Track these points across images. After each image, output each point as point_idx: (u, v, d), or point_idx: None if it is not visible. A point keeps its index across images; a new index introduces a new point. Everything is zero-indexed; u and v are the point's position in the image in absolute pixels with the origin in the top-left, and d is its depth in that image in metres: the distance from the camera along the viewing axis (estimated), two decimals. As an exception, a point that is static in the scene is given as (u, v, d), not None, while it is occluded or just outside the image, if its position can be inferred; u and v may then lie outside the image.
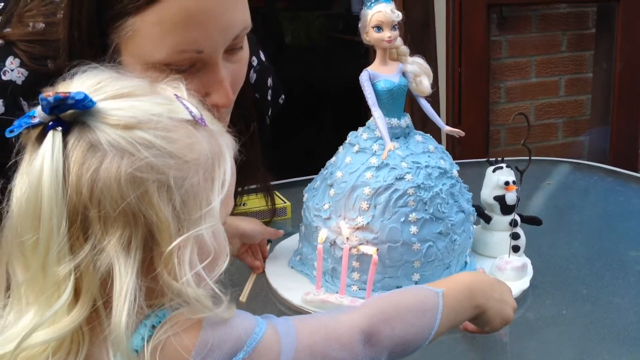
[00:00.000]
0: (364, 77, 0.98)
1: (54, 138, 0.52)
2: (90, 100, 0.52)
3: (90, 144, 0.52)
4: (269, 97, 1.18)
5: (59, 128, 0.52)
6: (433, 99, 2.61)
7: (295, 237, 1.14)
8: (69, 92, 0.52)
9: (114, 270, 0.52)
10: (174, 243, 0.53)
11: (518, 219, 1.07)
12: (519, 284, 1.01)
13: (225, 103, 0.84)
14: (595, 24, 2.67)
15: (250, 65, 1.07)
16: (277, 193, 1.35)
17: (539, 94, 2.70)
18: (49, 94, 0.51)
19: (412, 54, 1.03)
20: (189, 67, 0.80)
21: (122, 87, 0.55)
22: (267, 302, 1.03)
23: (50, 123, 0.52)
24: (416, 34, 2.44)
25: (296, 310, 0.99)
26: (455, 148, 2.60)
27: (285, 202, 1.30)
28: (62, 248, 0.52)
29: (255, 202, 1.30)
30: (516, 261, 1.02)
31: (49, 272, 0.53)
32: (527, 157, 1.05)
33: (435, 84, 2.81)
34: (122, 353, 0.52)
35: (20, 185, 0.53)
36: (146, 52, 0.77)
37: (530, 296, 1.01)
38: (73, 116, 0.52)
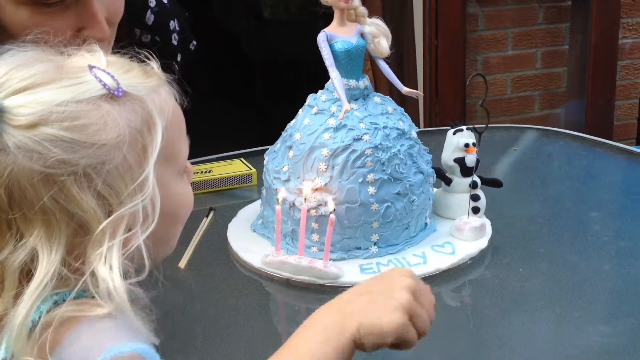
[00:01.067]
0: (321, 38, 0.98)
1: None
2: None
3: (1, 149, 0.51)
4: (174, 42, 1.16)
5: None
6: (411, 72, 2.58)
7: (259, 203, 1.14)
8: None
9: (37, 263, 0.52)
10: (102, 225, 0.53)
11: (478, 180, 1.07)
12: (477, 244, 1.02)
13: (102, 37, 0.83)
14: (571, -5, 2.67)
15: (147, 7, 1.06)
16: (243, 160, 1.35)
17: (515, 66, 2.70)
18: None
19: (386, 23, 1.02)
20: (58, 1, 0.78)
21: (26, 77, 0.53)
22: (228, 264, 1.03)
23: None
24: (394, 7, 2.43)
25: (256, 272, 0.99)
26: (433, 120, 2.61)
27: (251, 169, 1.30)
28: None
29: (221, 169, 1.30)
30: (475, 222, 1.03)
31: None
32: (486, 120, 1.05)
33: (412, 57, 2.79)
34: (11, 329, 0.51)
35: None
36: None
37: (489, 256, 1.02)
38: None
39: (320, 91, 1.04)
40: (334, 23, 1.00)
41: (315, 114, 1.01)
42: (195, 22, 1.25)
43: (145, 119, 0.56)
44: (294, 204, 0.99)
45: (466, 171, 1.08)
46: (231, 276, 1.01)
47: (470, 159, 1.07)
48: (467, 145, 1.07)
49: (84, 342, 0.51)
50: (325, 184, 0.97)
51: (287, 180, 1.00)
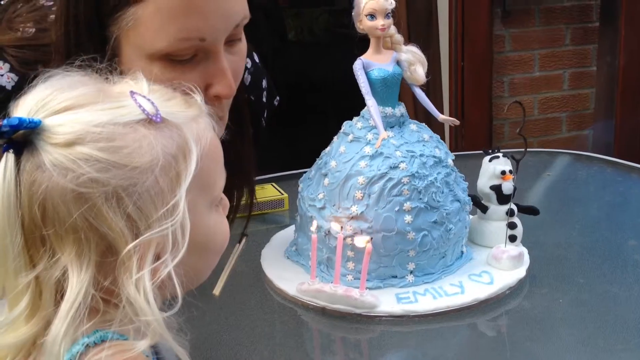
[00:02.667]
0: (357, 66, 0.98)
1: (6, 161, 0.53)
2: (32, 121, 0.52)
3: (37, 165, 0.53)
4: (264, 99, 1.18)
5: (11, 150, 0.53)
6: (436, 94, 2.59)
7: (292, 229, 1.14)
8: (18, 120, 0.52)
9: (68, 281, 0.53)
10: (129, 247, 0.53)
11: (515, 208, 1.06)
12: (515, 273, 1.00)
13: (228, 93, 0.84)
14: (599, 17, 2.65)
15: (244, 68, 1.08)
16: (274, 185, 1.35)
17: (542, 87, 2.69)
18: (1, 123, 0.52)
19: (407, 43, 1.02)
20: (190, 57, 0.79)
21: (67, 99, 0.55)
22: (262, 292, 1.03)
23: (4, 145, 0.53)
24: (419, 27, 2.44)
25: (291, 300, 0.99)
26: (459, 143, 2.59)
27: (282, 194, 1.30)
28: (19, 264, 0.54)
29: (258, 192, 1.29)
30: (512, 250, 1.02)
31: (7, 285, 0.55)
32: (524, 147, 1.04)
33: (438, 78, 2.79)
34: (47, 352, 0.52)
35: None
36: (147, 41, 0.77)
37: (527, 285, 1.01)
38: (23, 136, 0.53)
39: (355, 118, 1.04)
40: (370, 50, 1.00)
41: (351, 141, 1.00)
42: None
43: (181, 146, 0.57)
44: (329, 231, 0.98)
45: (503, 199, 1.06)
46: (266, 304, 1.00)
47: (507, 187, 1.06)
48: (503, 172, 1.06)
49: None
50: (362, 212, 0.96)
51: (323, 208, 1.00)
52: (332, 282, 0.96)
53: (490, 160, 1.08)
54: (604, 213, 1.28)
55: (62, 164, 0.52)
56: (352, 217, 0.97)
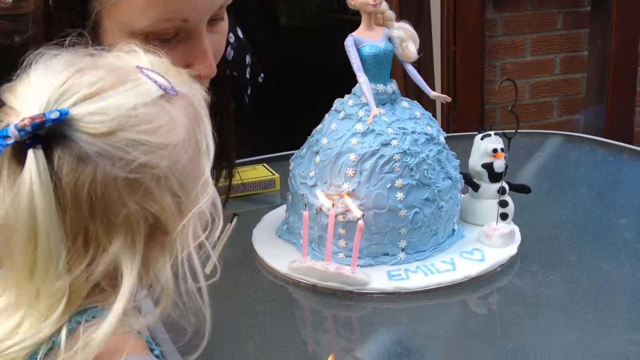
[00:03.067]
0: (349, 42, 0.97)
1: (36, 156, 0.49)
2: (60, 112, 0.49)
3: (78, 158, 0.50)
4: (248, 76, 1.17)
5: (39, 145, 0.49)
6: (428, 78, 2.57)
7: (283, 208, 1.14)
8: (44, 116, 0.49)
9: (123, 272, 0.52)
10: (180, 226, 0.53)
11: (506, 186, 1.06)
12: (506, 251, 1.01)
13: (209, 73, 0.83)
14: (590, 1, 2.65)
15: (227, 42, 1.07)
16: (265, 165, 1.34)
17: (534, 72, 2.69)
18: (25, 123, 0.48)
19: (399, 20, 1.02)
20: (172, 36, 0.79)
21: (89, 84, 0.52)
22: (254, 270, 1.02)
23: (28, 142, 0.49)
24: (411, 12, 2.42)
25: (282, 278, 0.98)
26: (451, 126, 2.59)
27: (274, 174, 1.30)
28: (61, 267, 0.51)
29: (244, 174, 1.29)
30: (504, 228, 1.02)
31: (43, 290, 0.52)
32: (516, 125, 1.04)
33: (430, 62, 2.77)
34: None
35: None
36: (130, 19, 0.76)
37: (518, 263, 1.01)
38: (49, 129, 0.50)
39: (347, 96, 1.03)
40: (362, 27, 0.99)
41: (343, 119, 1.00)
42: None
43: (194, 115, 0.57)
44: (321, 209, 0.98)
45: (494, 177, 1.06)
46: (257, 282, 1.00)
47: (499, 165, 1.05)
48: (495, 150, 1.06)
49: None
50: (353, 190, 0.96)
51: (314, 186, 0.99)
52: (323, 260, 0.96)
53: (482, 139, 1.08)
54: (595, 192, 1.28)
55: (108, 153, 0.50)
56: (343, 195, 0.96)
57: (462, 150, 1.10)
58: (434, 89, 1.03)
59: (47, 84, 0.52)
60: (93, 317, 0.53)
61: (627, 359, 0.81)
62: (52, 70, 0.53)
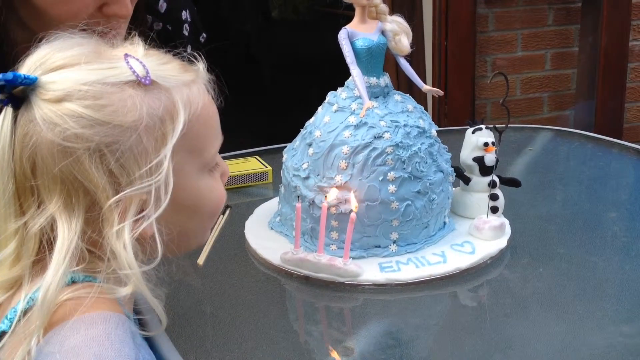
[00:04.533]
0: (342, 35, 0.98)
1: (5, 114, 0.56)
2: (27, 77, 0.55)
3: (30, 120, 0.56)
4: (185, 32, 1.17)
5: (10, 104, 0.56)
6: (420, 73, 2.58)
7: (275, 201, 1.14)
8: (13, 76, 0.55)
9: (57, 229, 0.56)
10: (110, 201, 0.56)
11: (497, 180, 1.07)
12: (497, 243, 1.02)
13: (125, 13, 0.84)
14: (581, -3, 2.67)
15: None
16: (258, 158, 1.35)
17: (525, 67, 2.70)
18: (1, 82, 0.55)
19: (392, 13, 1.02)
20: None
21: (63, 57, 0.57)
22: (246, 262, 1.03)
23: (5, 100, 0.56)
24: (403, 7, 2.43)
25: (275, 270, 0.99)
26: (442, 121, 2.60)
27: (266, 167, 1.30)
28: (9, 210, 0.57)
29: (237, 166, 1.29)
30: (494, 221, 1.03)
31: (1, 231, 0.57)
32: (507, 118, 1.05)
33: (421, 57, 2.77)
34: (39, 298, 0.54)
35: None
36: None
37: (508, 255, 1.02)
38: (22, 92, 0.56)
39: (340, 89, 1.04)
40: (355, 20, 0.99)
41: (336, 111, 1.00)
42: (205, 21, 1.26)
43: (168, 108, 0.59)
44: (313, 201, 0.99)
45: (485, 170, 1.07)
46: (250, 273, 1.01)
47: (490, 158, 1.06)
48: (486, 144, 1.07)
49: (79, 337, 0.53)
50: (346, 182, 0.96)
51: (307, 178, 1.00)
52: (316, 252, 0.97)
53: (473, 132, 1.09)
54: (584, 187, 1.30)
55: (50, 119, 0.55)
56: (336, 187, 0.97)
57: (454, 144, 1.11)
58: (425, 84, 1.04)
59: (37, 54, 0.58)
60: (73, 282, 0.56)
61: (614, 350, 0.82)
62: (49, 45, 0.59)
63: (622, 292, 0.94)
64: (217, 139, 0.65)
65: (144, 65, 0.59)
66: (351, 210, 0.94)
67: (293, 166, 1.02)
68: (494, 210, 1.06)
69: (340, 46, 0.98)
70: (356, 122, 0.97)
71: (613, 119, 2.72)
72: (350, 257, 0.96)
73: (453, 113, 2.60)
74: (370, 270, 0.95)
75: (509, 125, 1.03)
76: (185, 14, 1.15)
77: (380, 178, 0.96)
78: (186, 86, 0.61)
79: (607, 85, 2.66)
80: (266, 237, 1.06)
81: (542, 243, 1.06)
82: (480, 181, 1.08)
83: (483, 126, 1.09)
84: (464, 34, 2.57)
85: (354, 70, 0.97)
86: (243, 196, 1.25)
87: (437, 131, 1.04)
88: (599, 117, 2.68)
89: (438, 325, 0.92)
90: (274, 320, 0.91)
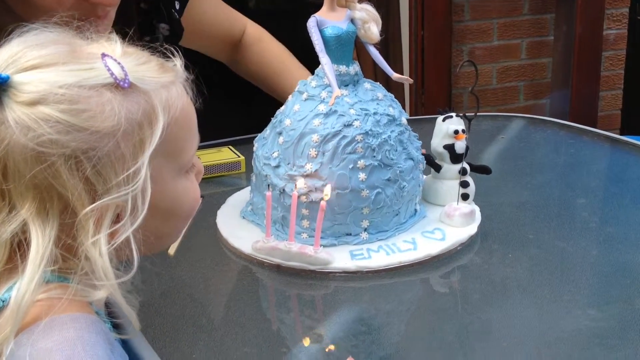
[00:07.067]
0: (311, 23, 0.97)
1: None
2: (3, 76, 0.53)
3: (1, 122, 0.53)
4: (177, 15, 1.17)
5: None
6: (396, 63, 2.58)
7: (248, 190, 1.14)
8: None
9: (31, 236, 0.54)
10: (85, 210, 0.54)
11: (467, 167, 1.08)
12: (467, 230, 1.02)
13: (111, 1, 0.83)
14: (556, -14, 2.68)
15: None
16: (231, 147, 1.34)
17: (501, 57, 2.72)
18: None
19: (361, 1, 1.02)
20: None
21: (36, 57, 0.55)
22: (217, 251, 1.03)
23: None
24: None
25: (246, 259, 0.99)
26: (419, 110, 2.61)
27: (239, 157, 1.30)
28: None
29: (209, 156, 1.29)
30: (464, 208, 1.04)
31: None
32: (476, 106, 1.05)
33: (398, 47, 2.78)
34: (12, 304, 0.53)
35: None
36: None
37: (478, 241, 1.03)
38: None
39: (309, 77, 1.03)
40: (324, 8, 0.99)
41: (305, 100, 1.00)
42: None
43: (147, 113, 0.57)
44: (284, 190, 0.99)
45: (455, 158, 1.08)
46: (221, 262, 1.00)
47: (460, 146, 1.07)
48: (456, 132, 1.08)
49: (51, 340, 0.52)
50: (316, 170, 0.96)
51: (277, 167, 1.00)
52: (287, 240, 0.97)
53: (443, 120, 1.09)
54: (555, 173, 1.31)
55: (23, 122, 0.52)
56: (306, 175, 0.97)
57: (427, 133, 1.12)
58: (402, 74, 1.04)
59: (8, 51, 0.55)
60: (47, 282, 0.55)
61: (581, 333, 0.83)
62: (22, 41, 0.56)
63: (589, 276, 0.96)
64: (195, 140, 0.64)
65: (122, 67, 0.56)
66: (321, 199, 0.95)
67: (264, 155, 1.02)
68: (465, 197, 1.06)
69: (310, 34, 0.97)
70: (326, 111, 0.97)
71: (588, 107, 2.74)
72: (321, 245, 0.96)
73: (430, 102, 2.61)
74: (341, 258, 0.96)
75: (483, 113, 1.04)
76: None
77: (351, 166, 0.96)
78: (165, 88, 0.59)
79: (582, 73, 2.69)
80: (238, 226, 1.06)
81: (512, 229, 1.07)
82: (450, 169, 1.08)
83: (453, 114, 1.09)
84: (440, 24, 2.58)
85: (323, 58, 0.97)
86: (216, 186, 1.25)
87: (412, 120, 1.05)
88: (574, 105, 2.71)
89: (409, 312, 0.92)
90: (245, 309, 0.91)
